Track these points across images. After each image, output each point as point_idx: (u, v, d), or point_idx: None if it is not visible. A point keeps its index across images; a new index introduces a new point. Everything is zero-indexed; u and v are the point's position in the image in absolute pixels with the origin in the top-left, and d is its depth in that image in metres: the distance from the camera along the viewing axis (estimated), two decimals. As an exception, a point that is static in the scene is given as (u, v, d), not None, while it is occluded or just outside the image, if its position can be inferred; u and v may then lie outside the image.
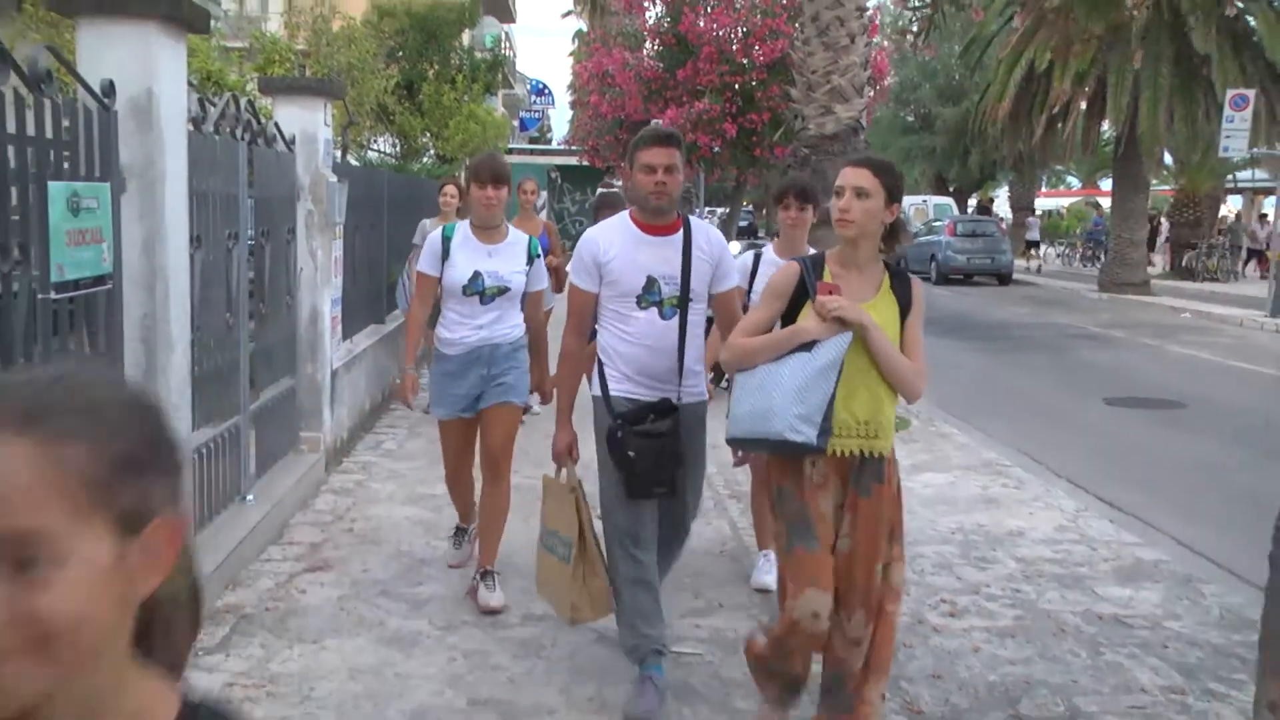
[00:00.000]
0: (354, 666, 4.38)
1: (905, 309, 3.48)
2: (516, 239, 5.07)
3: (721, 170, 19.00)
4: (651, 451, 3.89)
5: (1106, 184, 51.62)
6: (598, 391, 4.04)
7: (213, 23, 16.37)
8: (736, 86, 16.76)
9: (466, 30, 23.75)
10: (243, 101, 5.81)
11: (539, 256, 5.15)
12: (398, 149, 19.68)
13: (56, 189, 3.56)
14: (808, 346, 3.32)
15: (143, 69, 4.15)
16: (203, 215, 5.11)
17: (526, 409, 5.27)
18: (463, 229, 5.04)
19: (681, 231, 3.99)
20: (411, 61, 19.53)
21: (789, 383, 3.29)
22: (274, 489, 6.21)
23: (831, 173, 9.68)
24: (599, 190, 7.53)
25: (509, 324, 5.05)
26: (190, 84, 6.15)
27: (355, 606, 5.00)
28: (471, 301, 4.95)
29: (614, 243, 3.96)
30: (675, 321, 3.95)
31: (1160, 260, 32.00)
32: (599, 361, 4.08)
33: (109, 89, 4.03)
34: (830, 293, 3.35)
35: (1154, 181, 28.07)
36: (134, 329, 4.23)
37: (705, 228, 4.12)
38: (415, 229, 9.56)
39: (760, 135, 16.67)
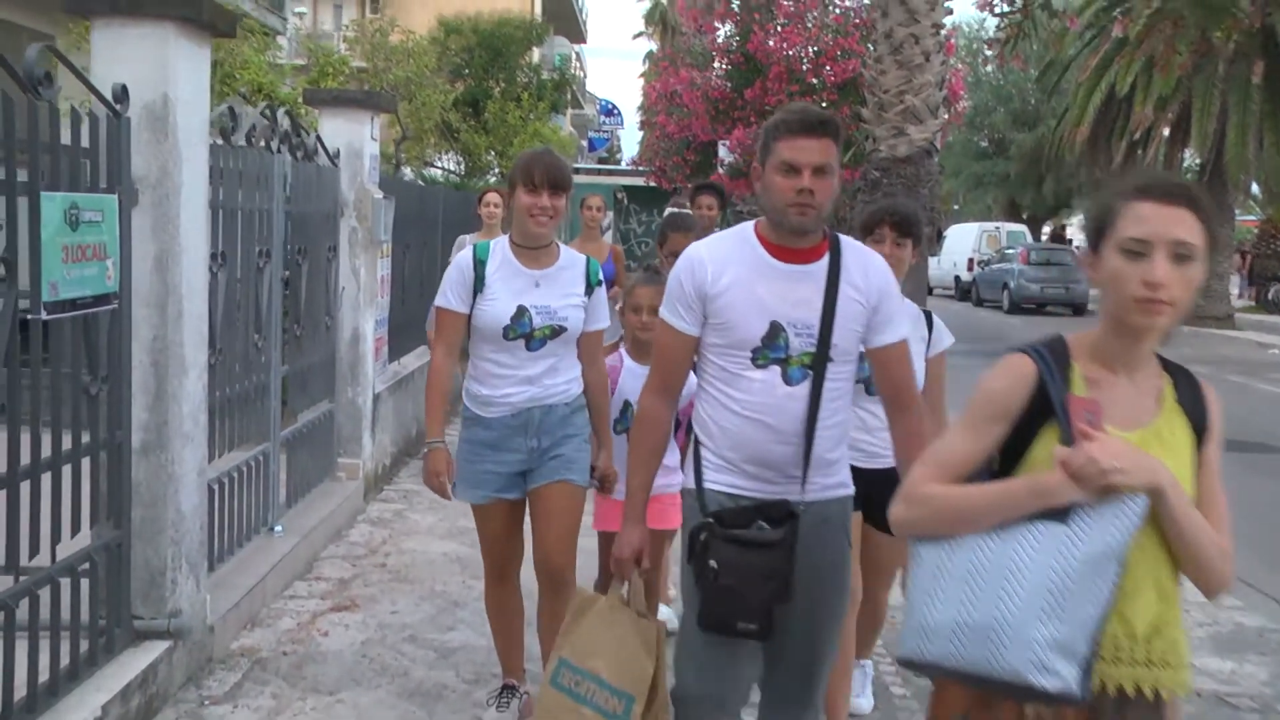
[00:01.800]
0: (369, 724, 4.02)
1: (1199, 433, 2.10)
2: (570, 261, 3.83)
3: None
4: (744, 568, 2.71)
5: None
6: (689, 480, 2.90)
7: (277, 38, 16.36)
8: (805, 107, 16.39)
9: (535, 49, 23.61)
10: (280, 112, 5.53)
11: (600, 284, 3.86)
12: (462, 166, 19.52)
13: (51, 200, 3.26)
14: (1061, 513, 1.94)
15: (159, 73, 3.86)
16: (228, 231, 4.82)
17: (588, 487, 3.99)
18: (500, 249, 3.76)
19: (827, 258, 2.80)
20: (477, 79, 19.39)
21: (1034, 580, 1.92)
22: (305, 519, 5.90)
23: (903, 196, 9.28)
24: (668, 210, 7.02)
25: (566, 376, 3.81)
26: (242, 95, 5.86)
27: (379, 653, 4.65)
28: (515, 348, 3.71)
29: (729, 268, 2.79)
30: (805, 389, 2.77)
31: (1241, 292, 30.88)
32: (693, 437, 2.98)
33: (120, 94, 3.74)
34: (1091, 417, 1.98)
35: (1237, 211, 27.11)
36: (143, 352, 3.93)
37: (861, 253, 2.90)
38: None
39: (829, 157, 16.27)
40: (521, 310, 3.70)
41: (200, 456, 4.27)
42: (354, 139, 6.79)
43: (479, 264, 3.73)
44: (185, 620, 4.10)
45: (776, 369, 2.77)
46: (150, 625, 3.98)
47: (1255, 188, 27.07)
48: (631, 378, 4.07)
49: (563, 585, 3.80)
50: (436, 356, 3.86)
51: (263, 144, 5.32)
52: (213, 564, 4.73)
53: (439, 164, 19.40)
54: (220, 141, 4.79)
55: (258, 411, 5.43)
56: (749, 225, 2.87)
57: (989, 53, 21.53)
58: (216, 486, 4.83)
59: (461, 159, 19.21)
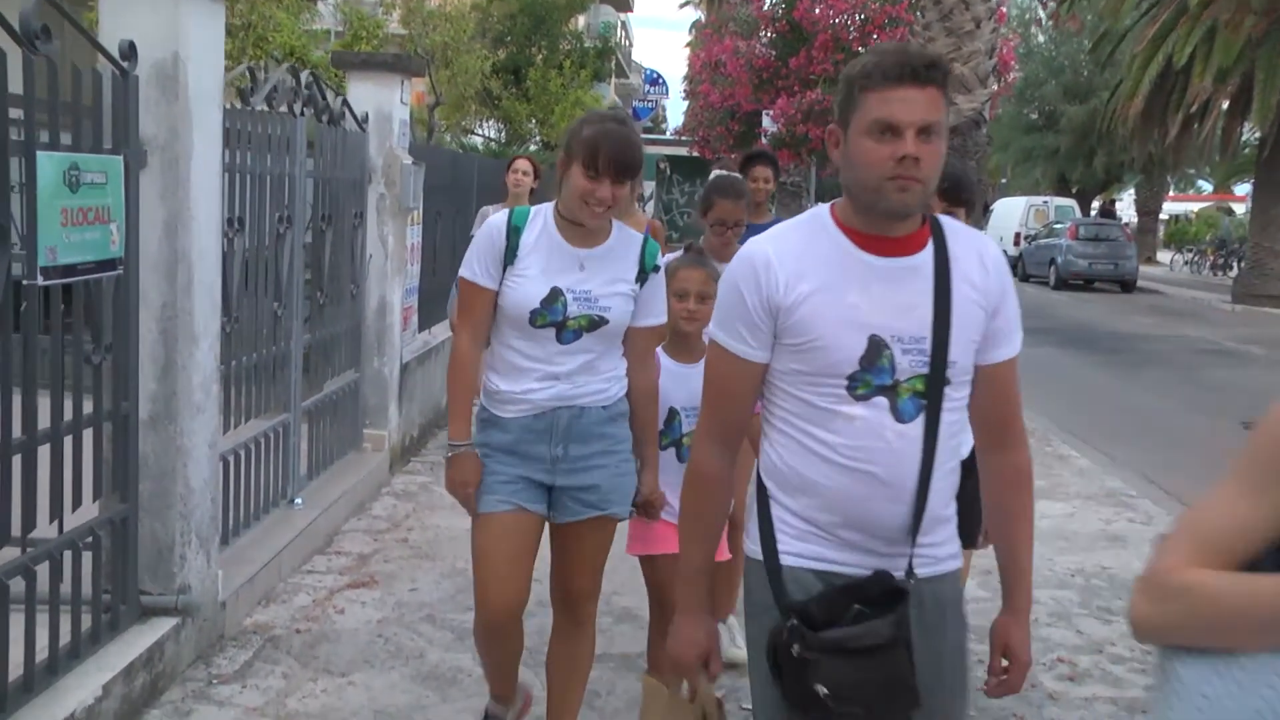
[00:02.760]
0: (381, 708, 3.88)
1: None
2: (625, 240, 3.17)
3: (832, 164, 18.27)
4: (863, 685, 2.02)
5: (1241, 189, 49.48)
6: (754, 548, 2.19)
7: (316, 3, 16.23)
8: (851, 77, 16.07)
9: (579, 16, 23.35)
10: (304, 75, 5.37)
11: (658, 269, 3.22)
12: (502, 134, 19.35)
13: (48, 160, 3.12)
14: None
15: (169, 31, 3.71)
16: (246, 196, 4.68)
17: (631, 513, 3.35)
18: (543, 217, 3.14)
19: (931, 247, 2.12)
20: (519, 46, 19.19)
21: None
22: (327, 492, 5.79)
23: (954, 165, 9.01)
24: (713, 173, 6.01)
25: (605, 375, 3.15)
26: (274, 59, 5.73)
27: (395, 633, 4.52)
28: (543, 338, 3.07)
29: (807, 269, 2.10)
30: (919, 425, 2.08)
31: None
32: (760, 491, 2.21)
33: (128, 51, 3.59)
34: None
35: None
36: (151, 320, 3.80)
37: (972, 237, 2.20)
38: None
39: (874, 128, 15.95)
40: (556, 293, 3.03)
41: (212, 428, 4.14)
42: (383, 103, 6.63)
43: (514, 231, 3.09)
44: (195, 596, 3.99)
45: (883, 401, 2.06)
46: (158, 601, 3.87)
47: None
48: (671, 380, 3.44)
49: (583, 620, 3.34)
50: (460, 341, 3.19)
51: (284, 107, 5.17)
52: (227, 538, 4.63)
53: (479, 132, 19.24)
54: (238, 104, 4.65)
55: (278, 381, 5.31)
56: (823, 210, 2.20)
57: (1043, 13, 20.78)
58: (232, 458, 4.72)
59: (502, 127, 19.04)
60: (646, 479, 3.30)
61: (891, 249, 2.10)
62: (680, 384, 3.42)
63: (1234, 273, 30.45)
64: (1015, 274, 29.96)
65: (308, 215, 5.60)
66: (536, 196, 7.23)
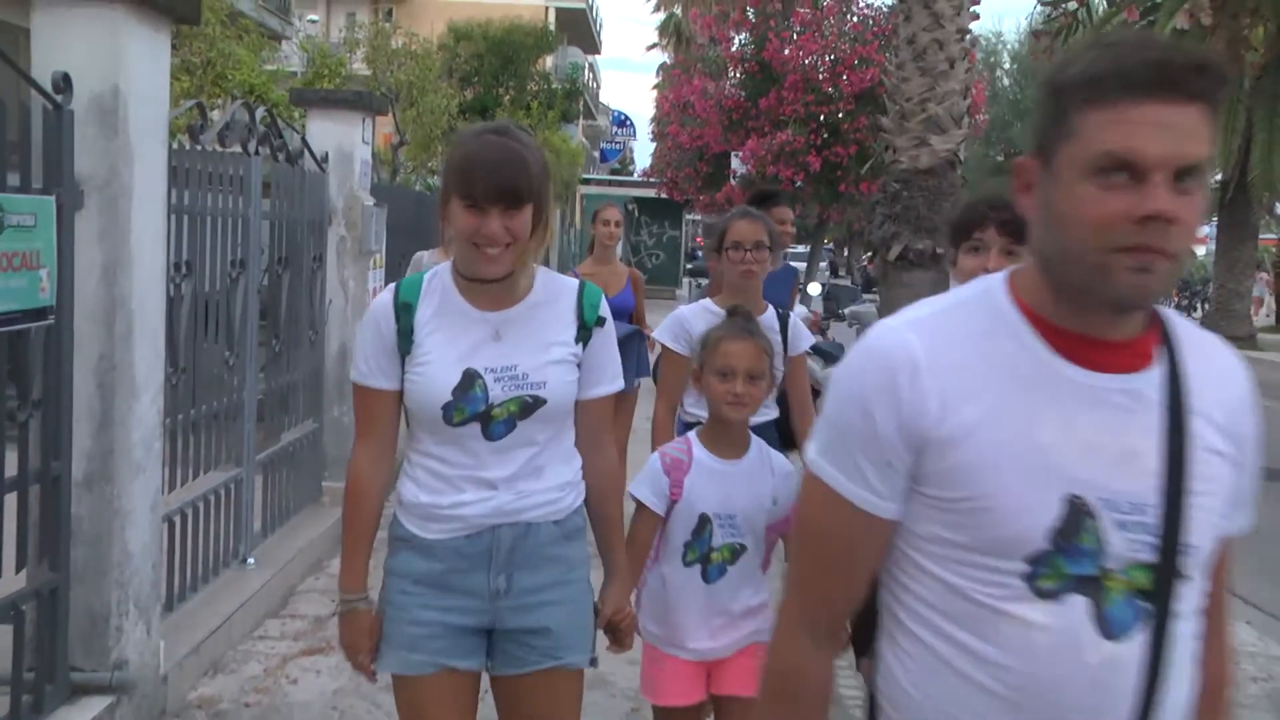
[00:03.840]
0: (333, 792, 3.58)
1: None
2: (552, 291, 2.44)
3: (804, 206, 18.15)
4: None
5: (1202, 230, 49.88)
6: None
7: (282, 43, 15.97)
8: (822, 117, 15.94)
9: (547, 57, 23.28)
10: (259, 111, 5.13)
11: (601, 322, 2.46)
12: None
13: (-33, 201, 2.86)
14: None
15: (109, 62, 3.45)
16: (195, 239, 4.42)
17: (594, 662, 2.52)
18: (439, 283, 2.42)
19: (1163, 360, 1.40)
20: (486, 85, 19.05)
21: None
22: (282, 550, 5.48)
23: (924, 210, 8.83)
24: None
25: (557, 477, 2.42)
26: (233, 96, 5.47)
27: (351, 705, 4.21)
28: (467, 437, 2.34)
29: (974, 381, 1.38)
30: (1139, 645, 1.33)
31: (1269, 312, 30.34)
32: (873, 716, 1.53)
33: (62, 84, 3.33)
34: None
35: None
36: (87, 373, 3.51)
37: (1210, 345, 1.47)
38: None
39: (845, 170, 15.82)
40: (470, 377, 2.31)
41: (154, 488, 3.85)
42: (344, 142, 6.40)
43: (403, 310, 2.36)
44: (132, 671, 3.68)
45: (1081, 604, 1.32)
46: (90, 679, 3.56)
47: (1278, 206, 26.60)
48: (706, 480, 2.81)
49: None
50: (358, 463, 2.41)
51: (238, 145, 4.92)
52: (172, 604, 4.33)
53: (446, 172, 19.06)
54: (188, 142, 4.40)
55: (231, 433, 5.02)
56: (997, 286, 1.43)
57: (1041, 44, 20.56)
58: (178, 518, 4.43)
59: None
60: (611, 593, 2.55)
61: (1108, 360, 1.35)
62: (718, 485, 2.82)
63: (1198, 314, 30.64)
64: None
65: (264, 258, 5.34)
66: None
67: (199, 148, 4.43)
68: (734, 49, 17.70)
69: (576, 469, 2.48)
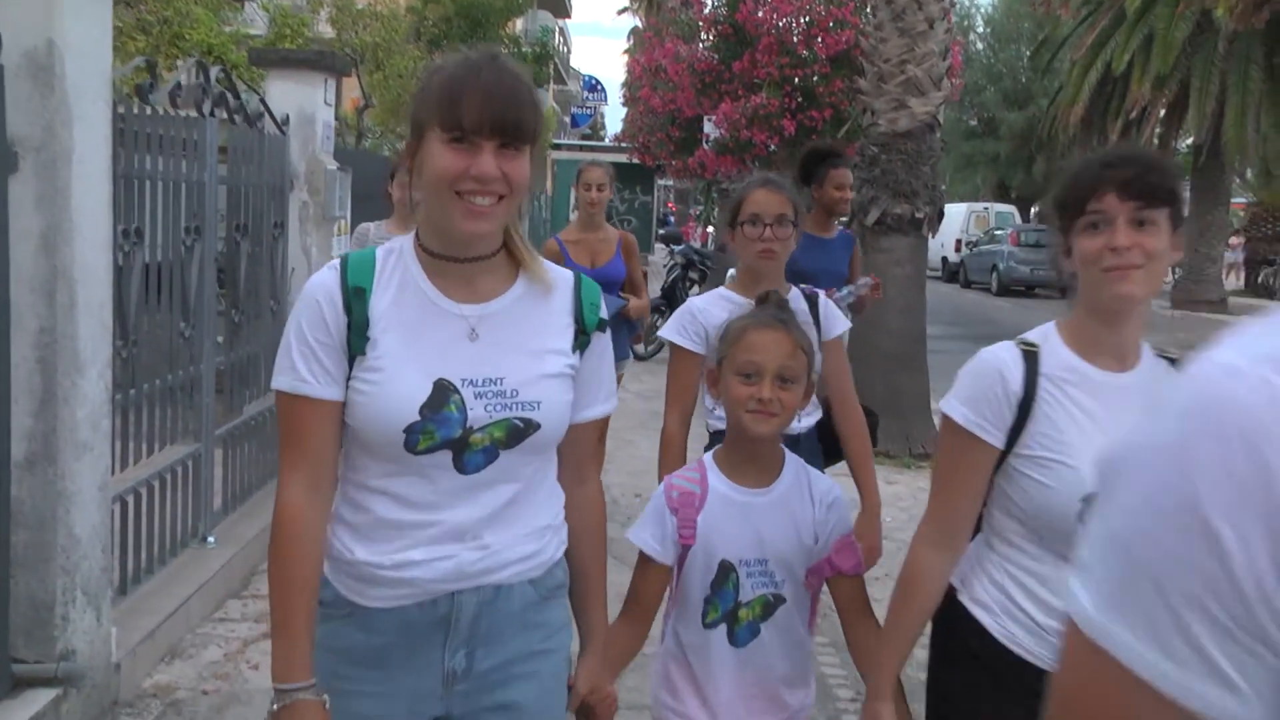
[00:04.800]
0: (296, 785, 3.41)
1: None
2: (539, 285, 1.89)
3: (778, 171, 17.98)
4: None
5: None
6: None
7: (247, 4, 15.60)
8: (796, 80, 15.67)
9: (516, 21, 22.93)
10: (213, 71, 4.89)
11: (603, 327, 1.95)
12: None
13: (-115, 164, 2.64)
14: None
15: (42, 16, 3.23)
16: (145, 205, 4.20)
17: None
18: (399, 262, 1.85)
19: None
20: (456, 50, 18.68)
21: None
22: (244, 528, 5.29)
23: (903, 174, 8.66)
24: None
25: (532, 520, 1.89)
26: (190, 56, 5.23)
27: (315, 690, 4.05)
28: (432, 468, 1.80)
29: None
30: None
31: (1238, 275, 30.47)
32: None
33: (-8, 38, 3.11)
34: None
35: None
36: (26, 347, 3.31)
37: None
38: None
39: (821, 134, 15.58)
40: (443, 391, 1.76)
41: (102, 467, 3.66)
42: (305, 104, 6.15)
43: (354, 297, 1.78)
44: (81, 661, 3.50)
45: None
46: (34, 671, 3.38)
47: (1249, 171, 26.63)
48: (729, 515, 2.22)
49: None
50: (289, 498, 1.78)
51: (192, 105, 4.69)
52: (125, 587, 4.15)
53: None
54: (136, 103, 4.16)
55: (188, 408, 4.82)
56: None
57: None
58: (131, 498, 4.23)
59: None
60: (587, 667, 2.02)
61: None
62: (742, 522, 2.21)
63: (1169, 278, 30.71)
64: (957, 280, 29.93)
65: (222, 225, 5.12)
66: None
67: (148, 109, 4.20)
68: (706, 11, 17.43)
69: (559, 509, 1.94)
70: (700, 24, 17.90)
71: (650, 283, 14.56)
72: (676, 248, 14.36)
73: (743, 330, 2.23)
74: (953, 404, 1.99)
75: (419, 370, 1.77)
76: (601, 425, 2.04)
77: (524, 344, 1.83)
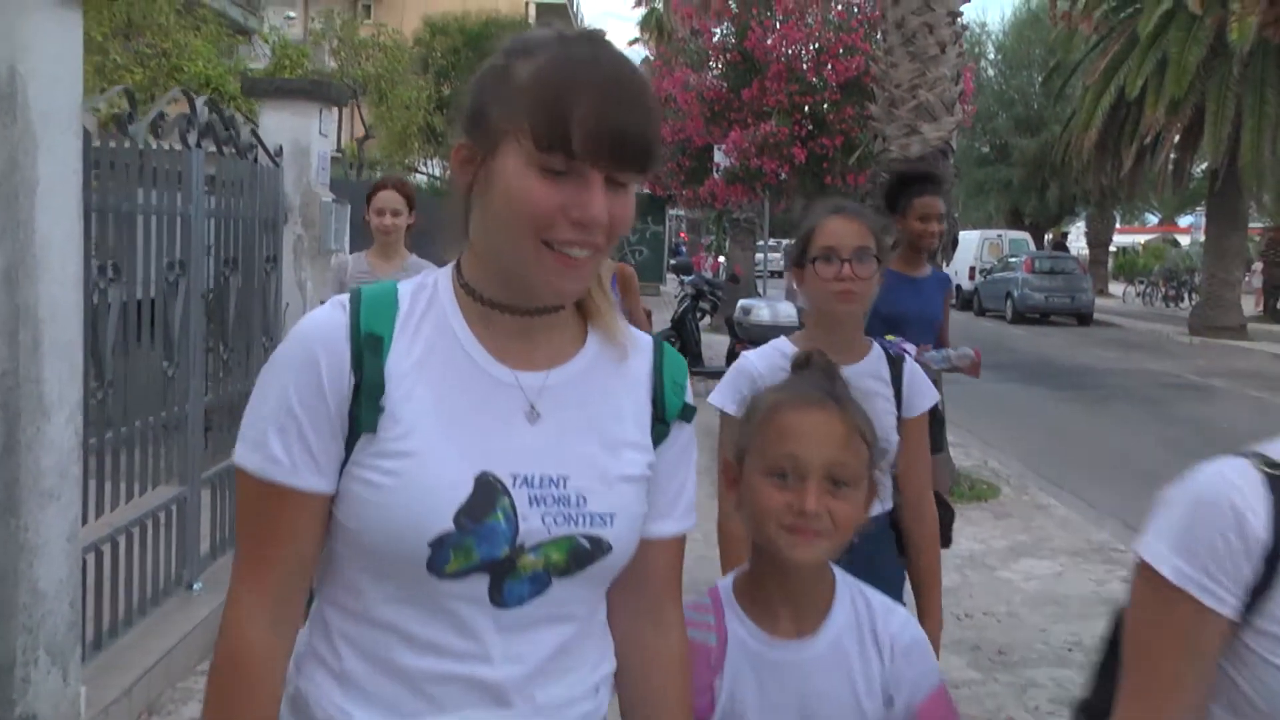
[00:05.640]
0: None
1: None
2: (624, 345, 1.40)
3: (788, 199, 17.81)
4: None
5: (1184, 220, 49.90)
6: None
7: (254, 37, 15.59)
8: (806, 108, 15.58)
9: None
10: (200, 101, 4.74)
11: (688, 414, 1.43)
12: (447, 172, 18.79)
13: None
14: None
15: (4, 42, 3.07)
16: (124, 239, 4.03)
17: None
18: (430, 307, 1.33)
19: None
20: (463, 80, 18.70)
21: None
22: (233, 573, 5.08)
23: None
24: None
25: (589, 674, 1.37)
26: (187, 93, 5.11)
27: (299, 750, 3.83)
28: (459, 598, 1.28)
29: None
30: None
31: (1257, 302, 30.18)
32: None
33: (-52, 65, 2.94)
34: None
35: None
36: (-13, 392, 3.12)
37: None
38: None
39: (831, 161, 15.46)
40: (490, 491, 1.28)
41: (71, 517, 3.46)
42: (300, 135, 6.02)
43: (365, 346, 1.28)
44: (45, 724, 3.29)
45: None
46: (-7, 736, 3.18)
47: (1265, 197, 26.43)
48: (758, 673, 1.60)
49: None
50: (243, 623, 1.30)
51: (177, 136, 4.53)
52: (101, 641, 3.95)
53: (423, 169, 18.66)
54: (115, 132, 4.01)
55: (172, 449, 4.63)
56: None
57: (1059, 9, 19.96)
58: (109, 546, 4.04)
59: (446, 165, 18.50)
60: None
61: None
62: (778, 685, 1.59)
63: (1185, 304, 30.44)
64: (971, 308, 29.66)
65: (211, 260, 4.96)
66: (421, 246, 5.35)
67: (127, 140, 4.04)
68: (715, 39, 17.36)
69: (611, 654, 1.43)
70: (709, 52, 17.84)
71: (661, 313, 14.40)
72: (687, 278, 14.18)
73: (775, 408, 1.56)
74: (1158, 550, 1.30)
75: (456, 458, 1.26)
76: (682, 547, 1.48)
77: (597, 431, 1.34)
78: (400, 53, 13.30)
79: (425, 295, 1.34)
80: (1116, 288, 39.57)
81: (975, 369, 4.32)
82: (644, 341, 1.42)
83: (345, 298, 1.32)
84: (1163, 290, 34.40)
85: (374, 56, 12.50)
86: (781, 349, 2.58)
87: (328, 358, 1.26)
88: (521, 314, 1.32)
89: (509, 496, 1.27)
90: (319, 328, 1.29)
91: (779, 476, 1.53)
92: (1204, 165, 24.36)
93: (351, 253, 5.44)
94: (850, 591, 1.64)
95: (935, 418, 2.89)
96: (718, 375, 10.82)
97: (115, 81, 7.58)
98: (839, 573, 1.64)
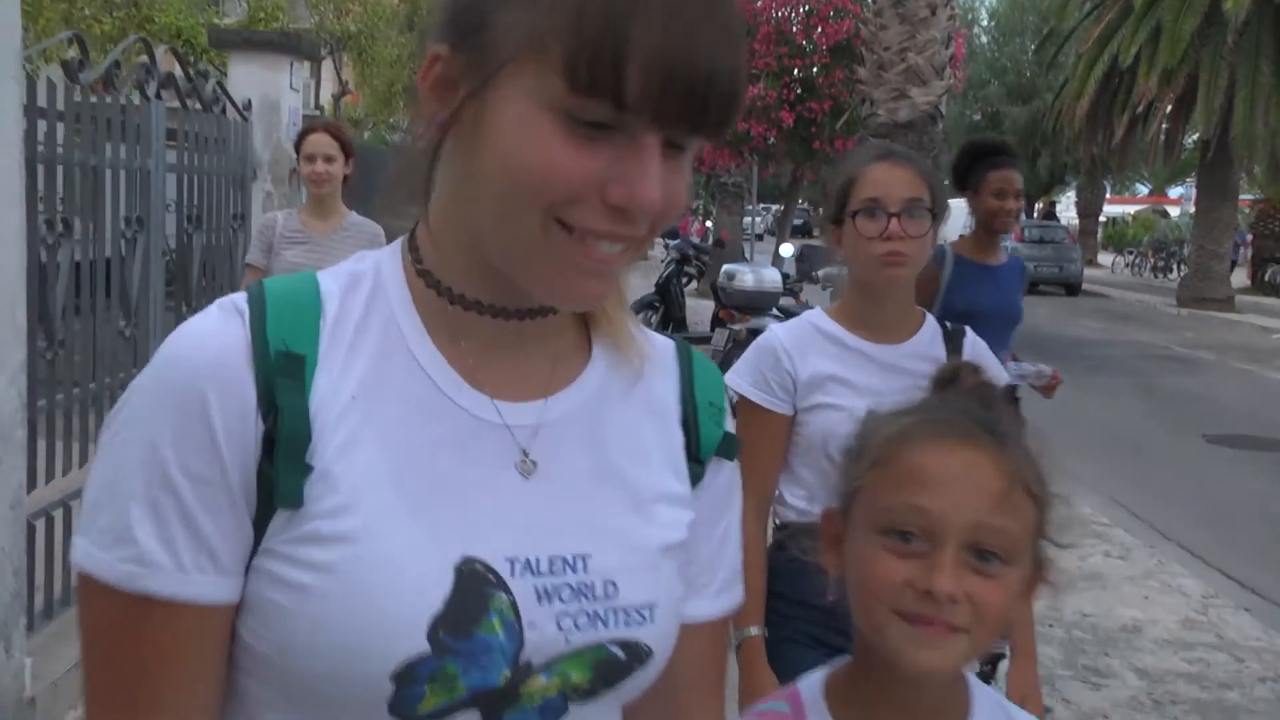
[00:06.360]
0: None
1: None
2: (638, 356, 0.97)
3: (777, 164, 17.64)
4: None
5: (1175, 191, 49.81)
6: None
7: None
8: (795, 71, 15.39)
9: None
10: (159, 50, 4.56)
11: (728, 449, 1.01)
12: (410, 99, 18.51)
13: None
14: None
15: (-62, -20, 2.90)
16: (76, 194, 3.87)
17: None
18: (380, 311, 0.89)
19: None
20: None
21: None
22: (196, 539, 4.96)
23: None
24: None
25: None
26: (145, 41, 4.89)
27: (256, 724, 3.72)
28: None
29: None
30: None
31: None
32: None
33: (-124, 4, 2.78)
34: None
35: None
36: (-78, 351, 2.98)
37: None
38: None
39: (820, 126, 15.28)
40: (478, 585, 0.85)
41: (14, 483, 3.32)
42: (269, 89, 5.83)
43: (276, 372, 0.83)
44: (-14, 698, 3.17)
45: None
46: (-70, 710, 3.05)
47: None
48: None
49: None
50: None
51: (134, 87, 4.36)
52: (52, 610, 3.81)
53: (406, 130, 18.43)
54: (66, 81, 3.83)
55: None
56: None
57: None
58: (59, 512, 3.89)
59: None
60: None
61: None
62: None
63: (1174, 275, 30.39)
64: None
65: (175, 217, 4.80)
66: (357, 198, 4.62)
67: (77, 88, 3.87)
68: (705, 0, 17.16)
69: None
70: (699, 14, 17.67)
71: (647, 277, 14.24)
72: (672, 242, 14.01)
73: (901, 440, 1.09)
74: None
75: (425, 540, 0.85)
76: (724, 636, 1.07)
77: (618, 483, 0.94)
78: (380, 8, 13.05)
79: (363, 290, 0.90)
80: (1105, 258, 39.57)
81: (1050, 391, 3.93)
82: (665, 350, 1.01)
83: (241, 298, 0.87)
84: (1151, 261, 34.38)
85: (354, 12, 12.27)
86: (816, 322, 2.20)
87: (220, 396, 0.82)
88: (507, 317, 0.90)
89: (506, 592, 0.86)
90: (203, 348, 0.84)
91: (900, 537, 1.05)
92: (1196, 136, 24.20)
93: (282, 210, 4.66)
94: (990, 705, 1.14)
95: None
96: (703, 340, 10.68)
97: (84, 30, 7.39)
98: (975, 683, 1.15)
